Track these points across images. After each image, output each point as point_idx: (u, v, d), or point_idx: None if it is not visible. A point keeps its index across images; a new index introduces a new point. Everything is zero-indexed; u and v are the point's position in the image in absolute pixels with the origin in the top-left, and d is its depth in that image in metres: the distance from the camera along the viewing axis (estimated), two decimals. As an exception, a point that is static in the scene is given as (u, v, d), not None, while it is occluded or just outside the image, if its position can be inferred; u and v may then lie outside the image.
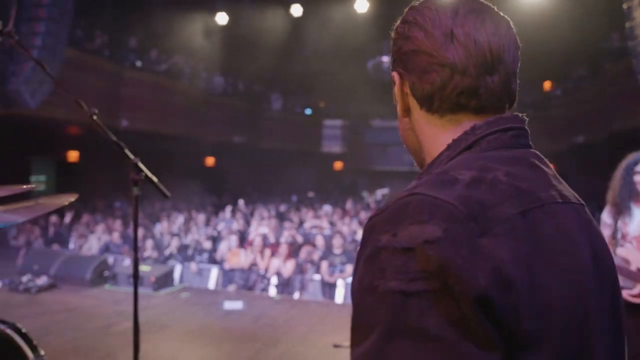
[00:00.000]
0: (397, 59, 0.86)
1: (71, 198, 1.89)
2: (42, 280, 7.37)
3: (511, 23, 0.85)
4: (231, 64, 18.80)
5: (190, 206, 15.07)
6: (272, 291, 8.10)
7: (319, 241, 9.22)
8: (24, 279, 7.35)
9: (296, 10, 15.00)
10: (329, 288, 7.98)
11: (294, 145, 21.33)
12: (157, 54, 15.10)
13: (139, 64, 14.27)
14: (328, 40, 16.78)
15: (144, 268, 7.76)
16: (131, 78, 13.85)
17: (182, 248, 9.09)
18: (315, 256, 8.57)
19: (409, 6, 0.86)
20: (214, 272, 8.45)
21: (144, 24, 14.81)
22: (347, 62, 18.68)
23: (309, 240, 9.49)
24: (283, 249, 8.43)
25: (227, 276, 8.42)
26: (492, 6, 0.84)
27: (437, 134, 0.83)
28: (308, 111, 22.91)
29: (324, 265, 8.10)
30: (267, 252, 8.57)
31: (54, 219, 10.92)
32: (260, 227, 10.51)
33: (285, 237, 9.63)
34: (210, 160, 20.75)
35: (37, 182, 16.37)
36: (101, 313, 6.25)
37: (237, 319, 6.21)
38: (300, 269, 8.43)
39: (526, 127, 0.84)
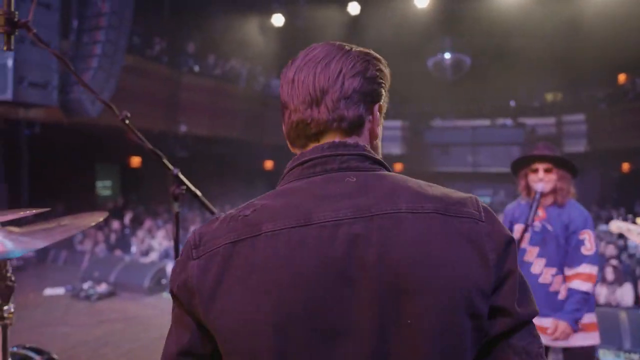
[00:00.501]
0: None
1: (99, 218, 1.59)
2: (102, 288, 7.34)
3: (356, 55, 0.98)
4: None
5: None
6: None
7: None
8: (85, 285, 7.36)
9: (353, 8, 14.60)
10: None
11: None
12: (215, 59, 15.11)
13: (196, 68, 14.31)
14: (387, 38, 16.29)
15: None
16: (189, 83, 13.90)
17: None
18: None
19: None
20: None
21: (201, 29, 14.90)
22: (406, 60, 18.15)
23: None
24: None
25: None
26: (335, 45, 1.00)
27: None
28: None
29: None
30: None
31: (115, 224, 11.04)
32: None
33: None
34: (269, 164, 20.69)
35: (103, 187, 16.87)
36: (158, 323, 6.09)
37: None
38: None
39: (337, 153, 0.92)
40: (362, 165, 0.93)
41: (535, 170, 2.95)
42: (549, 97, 21.32)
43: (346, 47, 1.00)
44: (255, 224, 0.85)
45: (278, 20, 15.31)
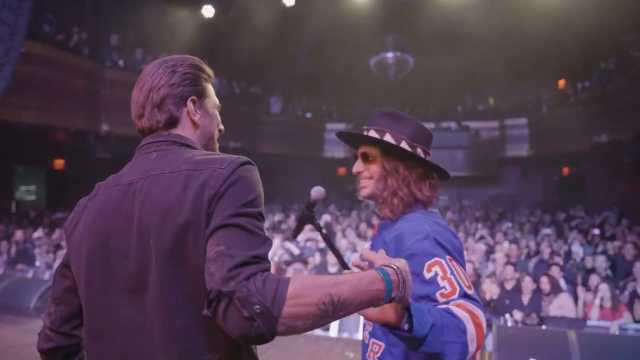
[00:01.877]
0: None
1: None
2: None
3: (162, 68, 1.39)
4: (225, 63, 17.75)
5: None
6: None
7: (316, 258, 8.09)
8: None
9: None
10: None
11: (295, 151, 20.19)
12: (142, 53, 14.01)
13: (121, 63, 13.19)
14: (326, 33, 15.68)
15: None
16: (113, 78, 12.79)
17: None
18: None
19: None
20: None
21: (127, 21, 13.81)
22: (349, 59, 17.60)
23: (301, 256, 8.31)
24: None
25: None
26: (155, 63, 1.41)
27: None
28: (309, 114, 21.80)
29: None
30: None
31: (19, 234, 9.81)
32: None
33: (275, 252, 8.48)
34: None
35: (26, 191, 15.44)
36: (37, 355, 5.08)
37: None
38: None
39: (152, 141, 1.37)
40: (167, 147, 1.35)
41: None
42: (492, 100, 21.26)
43: (163, 63, 1.40)
44: (97, 188, 1.38)
45: (208, 11, 14.37)
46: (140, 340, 1.21)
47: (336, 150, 21.66)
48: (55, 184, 15.27)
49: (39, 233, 10.38)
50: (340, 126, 21.87)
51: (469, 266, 7.28)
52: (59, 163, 15.13)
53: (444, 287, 1.47)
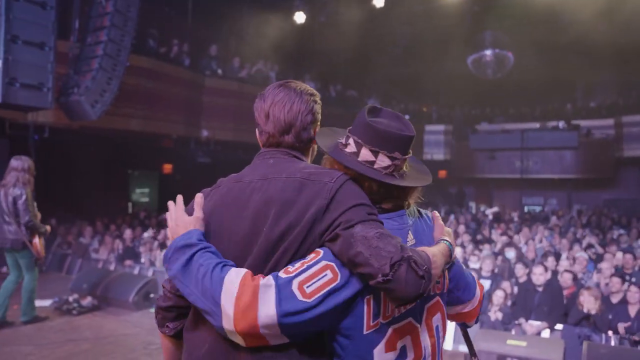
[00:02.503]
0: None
1: None
2: (86, 301, 6.81)
3: (305, 96, 1.69)
4: (320, 67, 17.99)
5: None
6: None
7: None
8: (71, 298, 6.85)
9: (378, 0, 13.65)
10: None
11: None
12: (240, 61, 14.60)
13: (220, 72, 13.84)
14: (419, 33, 15.36)
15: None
16: (212, 86, 13.47)
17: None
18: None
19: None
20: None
21: (225, 31, 14.46)
22: (446, 59, 17.13)
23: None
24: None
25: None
26: (292, 89, 1.68)
27: None
28: (407, 116, 21.48)
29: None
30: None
31: (127, 233, 10.60)
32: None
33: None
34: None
35: (141, 194, 16.69)
36: (130, 344, 5.46)
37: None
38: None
39: (279, 151, 1.67)
40: (281, 156, 1.65)
41: None
42: (607, 96, 19.64)
43: (297, 89, 1.70)
44: (220, 182, 1.67)
45: (300, 17, 14.65)
46: None
47: (436, 153, 21.18)
48: (165, 187, 16.33)
49: (149, 233, 11.13)
50: (440, 128, 21.36)
51: (568, 276, 6.75)
52: (167, 168, 16.17)
53: None
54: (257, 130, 1.72)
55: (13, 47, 7.46)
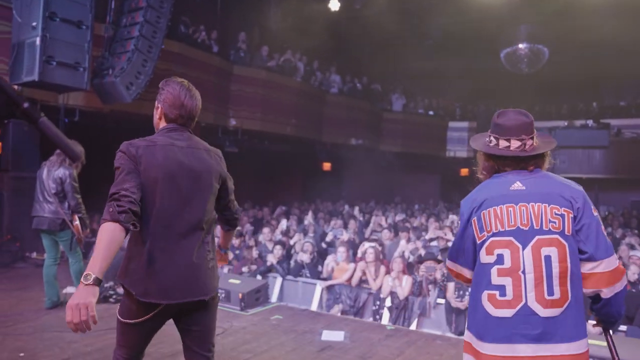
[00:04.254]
0: (159, 100, 2.61)
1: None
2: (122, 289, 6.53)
3: (199, 94, 2.67)
4: (347, 59, 17.66)
5: (301, 212, 14.03)
6: (385, 317, 6.62)
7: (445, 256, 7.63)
8: (107, 285, 6.59)
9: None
10: (456, 316, 6.31)
11: (416, 149, 19.61)
12: (268, 50, 14.30)
13: (248, 60, 13.55)
14: (453, 29, 14.97)
15: (232, 281, 6.67)
16: (240, 75, 13.18)
17: (284, 259, 7.89)
18: (439, 275, 6.92)
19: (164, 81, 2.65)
20: (318, 290, 7.16)
21: (254, 19, 14.16)
22: (474, 54, 16.73)
23: (432, 255, 7.86)
24: (397, 264, 6.93)
25: (332, 294, 7.09)
26: (192, 87, 2.65)
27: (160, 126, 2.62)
28: (431, 112, 21.12)
29: (451, 287, 6.45)
30: (382, 267, 7.11)
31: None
32: (373, 238, 9.11)
33: (402, 250, 8.13)
34: (327, 165, 19.77)
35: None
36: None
37: (335, 356, 4.81)
38: (418, 290, 6.85)
39: (186, 130, 2.60)
40: (189, 133, 2.61)
41: None
42: (637, 95, 19.14)
43: (193, 89, 2.68)
44: (153, 141, 2.46)
45: (334, 5, 14.32)
46: (187, 221, 2.45)
47: (459, 150, 20.80)
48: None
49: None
50: (464, 125, 20.97)
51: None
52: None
53: None
54: (161, 107, 2.59)
55: (51, 24, 7.23)
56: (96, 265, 2.09)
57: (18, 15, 7.38)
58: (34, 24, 7.17)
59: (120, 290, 6.56)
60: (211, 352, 2.56)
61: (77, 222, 5.82)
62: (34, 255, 8.76)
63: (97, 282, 2.08)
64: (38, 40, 7.11)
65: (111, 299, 6.31)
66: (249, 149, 14.01)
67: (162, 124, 2.57)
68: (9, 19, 7.72)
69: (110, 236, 2.13)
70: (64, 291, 6.59)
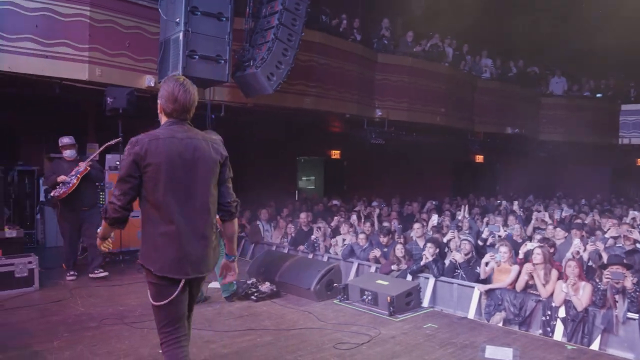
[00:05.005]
0: (159, 96, 2.88)
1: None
2: (265, 287, 6.20)
3: (195, 88, 2.91)
4: (500, 42, 16.14)
5: (453, 207, 12.99)
6: (559, 331, 5.49)
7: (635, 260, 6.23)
8: (249, 282, 6.32)
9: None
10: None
11: (581, 137, 17.30)
12: (414, 36, 13.44)
13: (393, 47, 12.84)
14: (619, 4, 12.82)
15: (380, 282, 6.00)
16: (385, 63, 12.53)
17: (438, 257, 7.02)
18: (629, 283, 5.57)
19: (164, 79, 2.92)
20: (476, 295, 6.21)
21: (397, 5, 13.39)
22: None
23: (618, 258, 6.47)
24: (572, 268, 5.72)
25: (494, 300, 6.09)
26: (188, 82, 2.89)
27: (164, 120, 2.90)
28: (599, 95, 18.60)
29: (649, 297, 5.13)
30: (553, 271, 5.96)
31: (302, 216, 10.06)
32: (537, 237, 7.89)
33: (576, 250, 6.82)
34: (478, 156, 18.38)
35: (307, 181, 16.49)
36: (315, 338, 4.66)
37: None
38: (602, 300, 5.57)
39: (184, 123, 2.87)
40: (188, 125, 2.88)
41: None
42: None
43: (188, 83, 2.90)
44: (160, 135, 2.74)
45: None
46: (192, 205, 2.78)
47: (635, 136, 18.06)
48: (331, 174, 15.88)
49: (321, 223, 10.54)
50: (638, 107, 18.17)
51: None
52: (335, 153, 15.74)
53: None
54: (159, 103, 2.88)
55: (192, 18, 7.20)
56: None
57: (164, 13, 7.48)
58: (177, 19, 7.20)
59: (263, 288, 6.29)
60: (190, 317, 2.98)
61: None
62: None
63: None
64: (181, 35, 7.12)
65: (253, 297, 6.00)
66: (396, 140, 13.30)
67: (164, 119, 2.89)
68: (158, 19, 7.88)
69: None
70: (210, 286, 6.47)
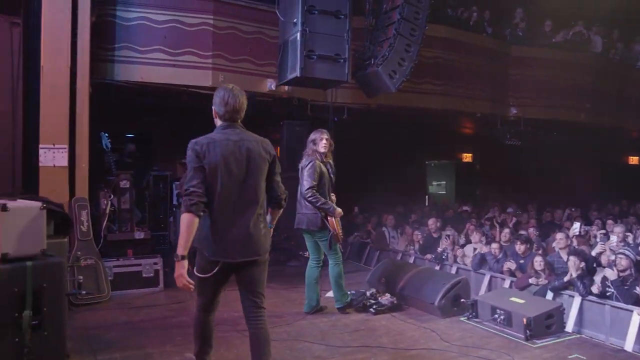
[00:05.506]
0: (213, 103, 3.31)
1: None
2: (385, 299, 5.75)
3: (242, 93, 3.32)
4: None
5: (602, 215, 11.49)
6: None
7: None
8: (368, 293, 5.91)
9: None
10: None
11: None
12: (552, 25, 12.18)
13: (528, 39, 11.73)
14: None
15: (514, 299, 5.26)
16: (520, 56, 11.47)
17: (586, 273, 6.03)
18: None
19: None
20: (635, 321, 5.17)
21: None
22: None
23: None
24: None
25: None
26: (236, 88, 3.29)
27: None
28: None
29: None
30: None
31: (431, 222, 9.42)
32: None
33: None
34: (633, 157, 16.33)
35: (437, 186, 15.75)
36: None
37: None
38: None
39: (235, 123, 3.29)
40: (239, 128, 3.29)
41: None
42: None
43: (236, 90, 3.29)
44: (212, 138, 3.17)
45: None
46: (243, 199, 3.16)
47: None
48: (463, 178, 15.00)
49: (450, 231, 9.86)
50: None
51: None
52: (466, 156, 14.85)
53: None
54: (214, 109, 3.31)
55: (310, 18, 7.00)
56: (180, 246, 3.00)
57: (281, 15, 7.38)
58: (295, 20, 7.05)
59: (383, 300, 5.85)
60: (259, 298, 3.29)
61: (332, 219, 5.29)
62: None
63: (183, 258, 3.02)
64: (298, 36, 6.95)
65: (371, 309, 5.58)
66: (533, 141, 12.14)
67: (218, 122, 3.31)
68: (277, 23, 7.83)
69: (187, 223, 2.99)
70: (326, 295, 6.18)
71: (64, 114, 6.31)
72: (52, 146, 6.23)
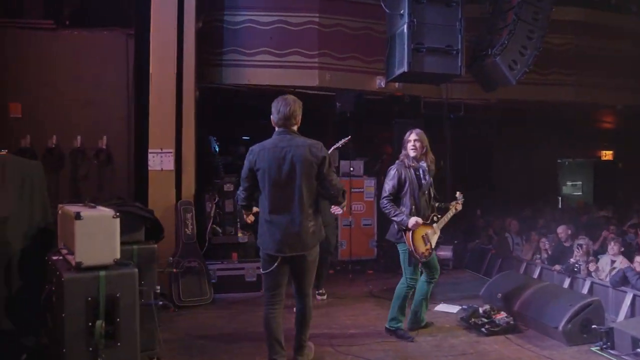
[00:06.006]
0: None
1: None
2: (500, 318, 5.08)
3: (296, 101, 3.76)
4: None
5: None
6: None
7: None
8: (481, 310, 5.27)
9: None
10: None
11: None
12: None
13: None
14: None
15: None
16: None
17: None
18: None
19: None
20: None
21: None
22: None
23: None
24: None
25: None
26: (289, 98, 3.76)
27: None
28: None
29: None
30: None
31: (561, 229, 8.39)
32: None
33: None
34: None
35: (573, 187, 14.33)
36: None
37: None
38: None
39: (288, 129, 3.73)
40: (291, 134, 3.72)
41: None
42: None
43: (289, 99, 3.74)
44: (268, 145, 3.71)
45: None
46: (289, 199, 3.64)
47: None
48: (603, 179, 13.45)
49: (583, 240, 8.74)
50: None
51: None
52: (606, 154, 13.34)
53: None
54: (271, 117, 3.78)
55: (417, 7, 6.47)
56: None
57: (387, 7, 6.91)
58: (402, 11, 6.57)
59: (497, 319, 5.16)
60: (305, 287, 3.85)
61: (410, 232, 4.61)
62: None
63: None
64: (405, 28, 6.45)
65: (483, 329, 4.95)
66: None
67: (276, 128, 3.76)
68: (384, 17, 7.40)
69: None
70: (435, 309, 5.66)
71: (170, 119, 6.45)
72: (160, 150, 6.39)
